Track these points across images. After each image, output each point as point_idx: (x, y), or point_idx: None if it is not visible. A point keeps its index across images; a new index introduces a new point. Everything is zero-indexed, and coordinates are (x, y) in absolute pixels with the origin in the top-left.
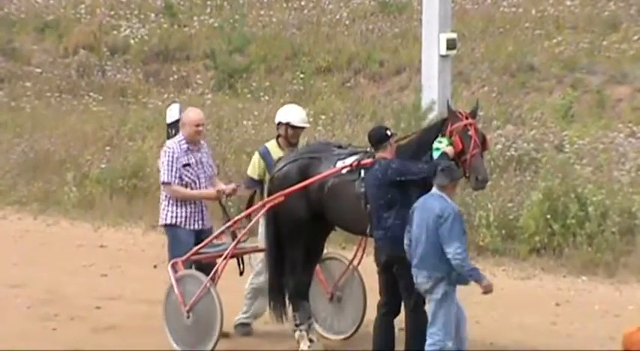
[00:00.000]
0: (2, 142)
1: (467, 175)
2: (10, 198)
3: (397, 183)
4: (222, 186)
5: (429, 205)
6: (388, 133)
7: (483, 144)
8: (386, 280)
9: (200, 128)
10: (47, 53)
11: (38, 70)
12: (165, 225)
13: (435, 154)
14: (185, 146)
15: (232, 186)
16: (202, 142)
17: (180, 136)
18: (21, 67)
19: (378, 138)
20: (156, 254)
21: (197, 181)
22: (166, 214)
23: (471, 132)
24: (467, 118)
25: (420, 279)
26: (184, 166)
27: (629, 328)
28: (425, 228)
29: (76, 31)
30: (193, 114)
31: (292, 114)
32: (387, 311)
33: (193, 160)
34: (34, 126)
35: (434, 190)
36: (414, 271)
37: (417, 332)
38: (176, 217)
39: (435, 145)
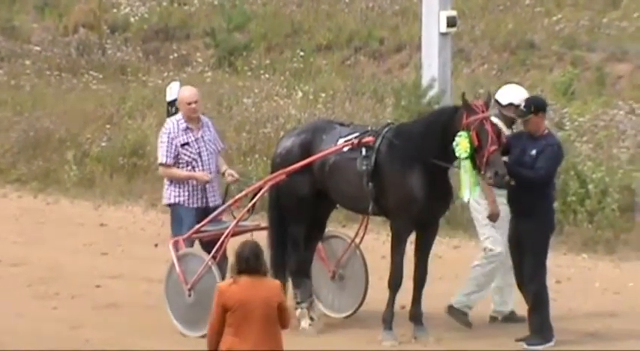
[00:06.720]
0: (2, 120)
1: (483, 171)
2: (10, 176)
3: None
4: (224, 168)
5: None
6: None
7: (499, 139)
8: None
9: (193, 106)
10: (47, 32)
11: (38, 49)
12: (168, 204)
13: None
14: (184, 125)
15: (233, 178)
16: (204, 119)
17: (179, 115)
18: (21, 46)
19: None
20: (156, 232)
21: (198, 159)
22: (169, 194)
23: (487, 126)
24: (482, 112)
25: None
26: (183, 145)
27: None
28: None
29: (76, 9)
30: (185, 92)
31: None
32: None
33: (193, 138)
34: (34, 104)
35: None
36: None
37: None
38: (178, 195)
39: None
